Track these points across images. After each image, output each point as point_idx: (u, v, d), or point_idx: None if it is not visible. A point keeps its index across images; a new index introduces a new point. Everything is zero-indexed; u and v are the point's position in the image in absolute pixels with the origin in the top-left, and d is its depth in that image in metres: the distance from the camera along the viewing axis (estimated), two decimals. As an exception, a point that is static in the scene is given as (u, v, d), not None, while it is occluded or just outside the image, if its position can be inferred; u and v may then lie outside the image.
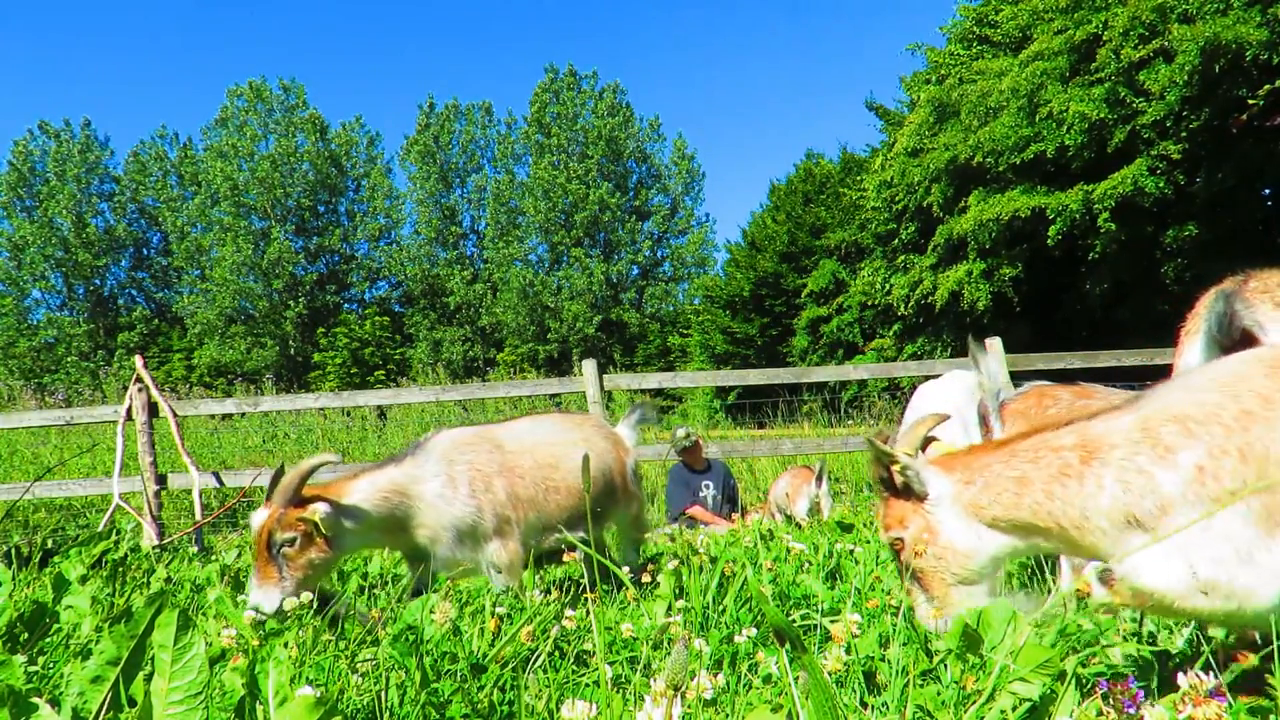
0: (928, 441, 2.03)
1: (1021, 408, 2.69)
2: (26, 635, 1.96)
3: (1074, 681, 1.41)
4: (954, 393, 3.52)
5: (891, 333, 19.29)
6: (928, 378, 4.21)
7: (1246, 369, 1.62)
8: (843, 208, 23.25)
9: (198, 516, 5.25)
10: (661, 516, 6.19)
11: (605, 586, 3.09)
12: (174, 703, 1.27)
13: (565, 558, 2.89)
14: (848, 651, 1.78)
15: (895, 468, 1.77)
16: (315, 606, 2.42)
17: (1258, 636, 1.66)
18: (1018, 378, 5.23)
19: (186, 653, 1.30)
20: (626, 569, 3.11)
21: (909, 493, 1.78)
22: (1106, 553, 1.62)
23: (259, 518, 2.60)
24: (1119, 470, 1.60)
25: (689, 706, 1.44)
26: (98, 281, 32.78)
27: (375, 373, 27.69)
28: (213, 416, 9.65)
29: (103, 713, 1.32)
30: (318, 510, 2.57)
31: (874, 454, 1.79)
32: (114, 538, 3.56)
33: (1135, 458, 1.58)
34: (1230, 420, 1.53)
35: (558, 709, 1.46)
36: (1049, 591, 2.80)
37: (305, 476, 2.59)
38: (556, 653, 2.06)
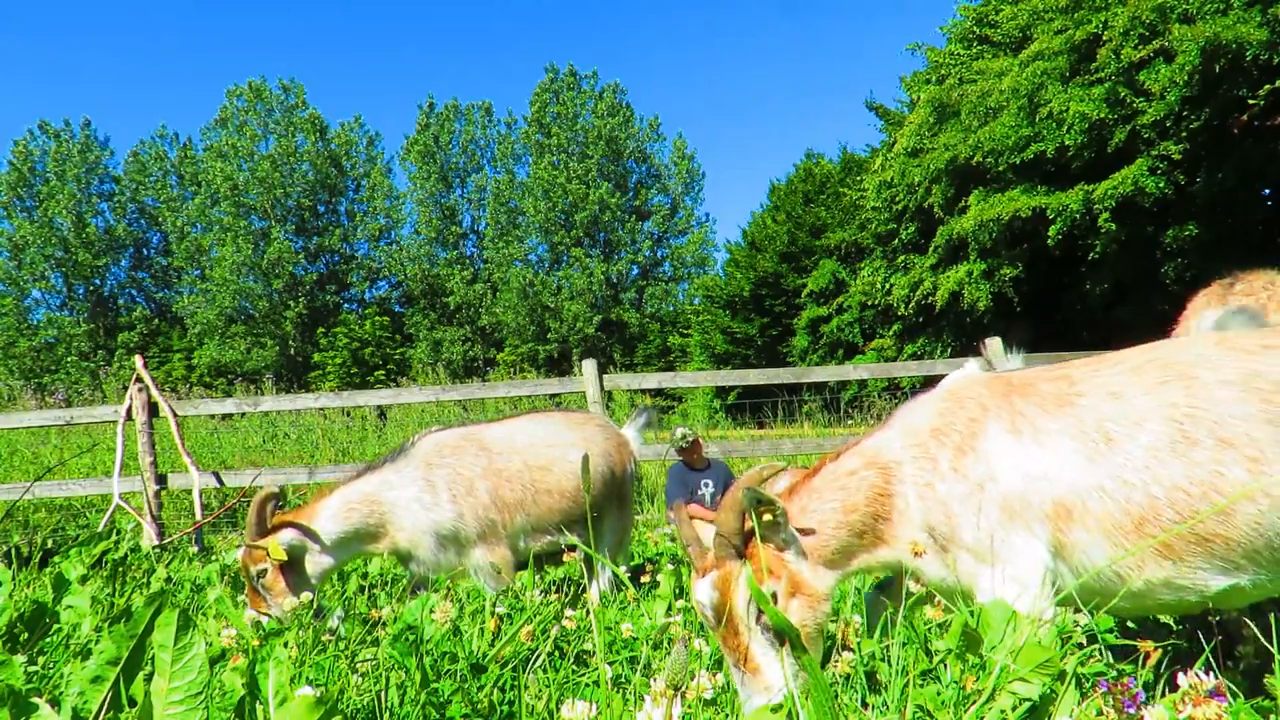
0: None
1: None
2: (26, 635, 1.96)
3: (1074, 681, 1.41)
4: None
5: (891, 333, 19.29)
6: (928, 378, 4.21)
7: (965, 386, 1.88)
8: (843, 208, 23.24)
9: (198, 516, 5.25)
10: (662, 516, 6.19)
11: (606, 593, 3.09)
12: (174, 703, 1.27)
13: (565, 557, 2.89)
14: (845, 650, 1.78)
15: (773, 513, 1.75)
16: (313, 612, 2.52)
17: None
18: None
19: (186, 653, 1.30)
20: (624, 568, 3.11)
21: (769, 542, 1.76)
22: (896, 563, 1.83)
23: (238, 554, 2.76)
24: (912, 491, 1.80)
25: (689, 706, 1.44)
26: (98, 281, 32.78)
27: (375, 373, 27.69)
28: (213, 416, 9.65)
29: (103, 713, 1.32)
30: (277, 540, 2.67)
31: (750, 501, 1.73)
32: (114, 538, 3.56)
33: (917, 476, 1.80)
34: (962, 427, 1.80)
35: (558, 709, 1.46)
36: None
37: (260, 510, 2.70)
38: (556, 653, 2.05)
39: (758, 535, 1.74)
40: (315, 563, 2.77)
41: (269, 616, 2.60)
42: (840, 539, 1.81)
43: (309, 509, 2.81)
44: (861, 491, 1.83)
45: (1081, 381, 1.79)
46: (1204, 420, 1.63)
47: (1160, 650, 1.63)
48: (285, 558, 2.65)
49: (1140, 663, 1.58)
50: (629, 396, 11.57)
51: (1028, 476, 1.71)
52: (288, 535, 2.71)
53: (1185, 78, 10.33)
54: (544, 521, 2.97)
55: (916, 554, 1.78)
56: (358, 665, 1.91)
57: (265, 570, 2.66)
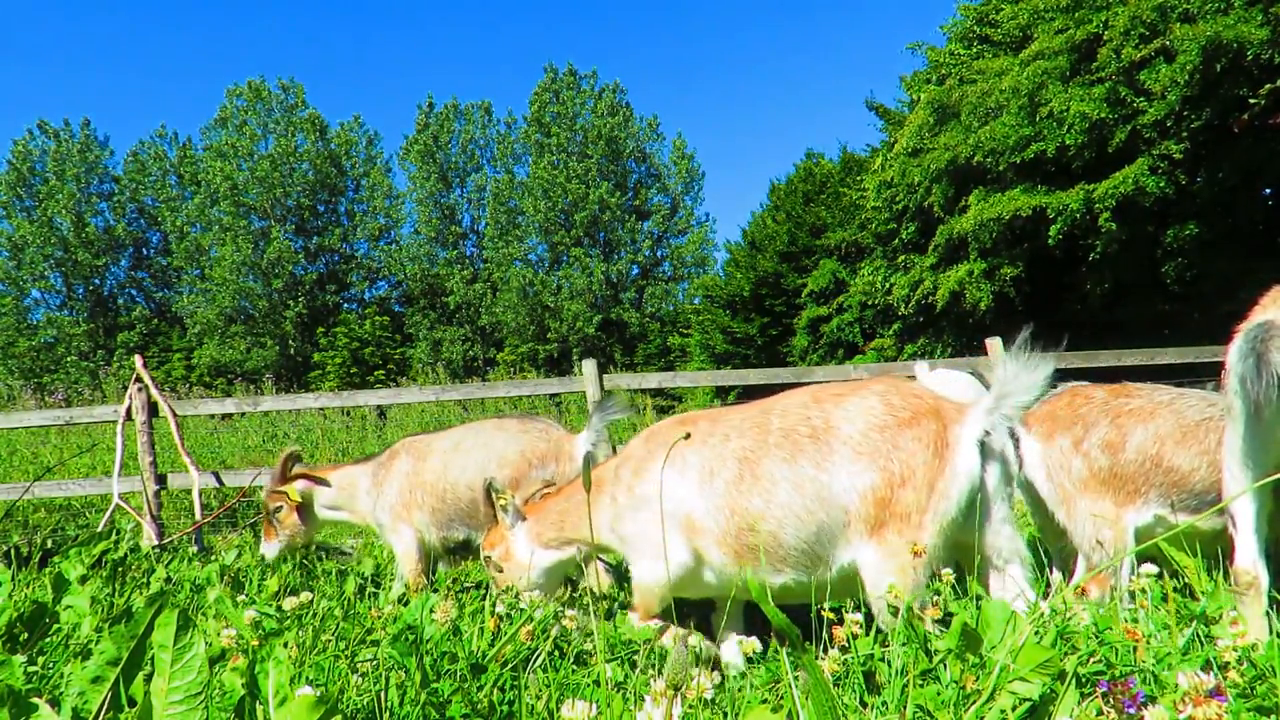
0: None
1: (1051, 409, 2.67)
2: (26, 635, 1.95)
3: (1074, 681, 1.41)
4: (949, 386, 3.52)
5: (891, 333, 19.27)
6: (928, 378, 4.21)
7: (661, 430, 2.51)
8: (843, 208, 23.22)
9: (198, 516, 5.24)
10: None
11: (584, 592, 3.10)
12: (174, 703, 1.27)
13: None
14: (845, 650, 1.78)
15: (501, 502, 2.60)
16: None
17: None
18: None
19: (186, 653, 1.30)
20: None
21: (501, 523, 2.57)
22: (625, 553, 2.40)
23: (262, 495, 3.72)
24: (609, 499, 2.40)
25: (689, 706, 1.44)
26: (97, 281, 32.77)
27: (375, 372, 27.66)
28: (213, 416, 9.66)
29: (103, 713, 1.32)
30: (293, 486, 3.60)
31: (488, 491, 2.66)
32: (114, 538, 3.56)
33: (613, 490, 2.40)
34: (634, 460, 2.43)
35: (558, 709, 1.46)
36: (1047, 587, 2.80)
37: (285, 464, 3.62)
38: (556, 653, 2.06)
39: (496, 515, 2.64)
40: (320, 509, 3.67)
41: (277, 544, 3.55)
42: (558, 529, 2.55)
43: (321, 471, 3.71)
44: (576, 499, 2.54)
45: (720, 423, 2.31)
46: (750, 460, 2.13)
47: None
48: (300, 500, 3.58)
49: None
50: (629, 396, 11.56)
51: (672, 498, 2.23)
52: (300, 485, 3.63)
53: (1186, 77, 10.33)
54: (453, 517, 3.42)
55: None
56: (358, 665, 1.91)
57: (281, 507, 3.57)
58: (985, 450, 2.01)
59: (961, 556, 2.10)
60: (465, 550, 3.51)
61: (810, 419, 2.11)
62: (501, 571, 2.59)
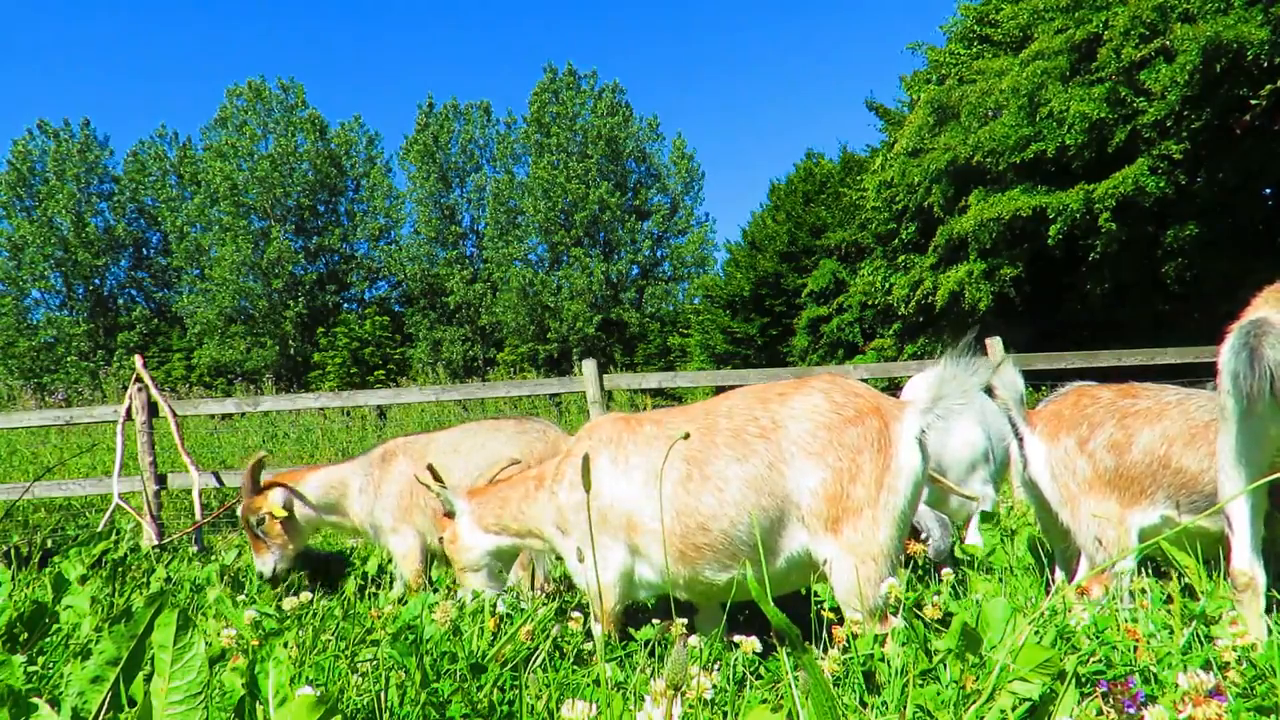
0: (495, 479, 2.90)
1: (1056, 409, 2.66)
2: (26, 635, 1.96)
3: (1074, 681, 1.41)
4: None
5: (891, 333, 19.27)
6: (928, 378, 4.20)
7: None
8: (843, 208, 23.21)
9: (198, 516, 5.24)
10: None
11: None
12: (174, 703, 1.27)
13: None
14: (845, 650, 1.78)
15: (435, 490, 2.73)
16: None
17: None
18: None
19: (186, 653, 1.30)
20: (540, 576, 3.22)
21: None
22: (559, 547, 2.50)
23: (238, 510, 3.49)
24: (547, 494, 2.46)
25: (689, 706, 1.44)
26: (97, 281, 32.74)
27: (375, 372, 27.65)
28: (213, 416, 9.65)
29: (103, 713, 1.32)
30: (271, 496, 3.40)
31: (427, 480, 2.78)
32: (114, 538, 3.57)
33: (553, 486, 2.46)
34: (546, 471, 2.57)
35: (558, 709, 1.46)
36: (1047, 587, 2.80)
37: (254, 471, 3.40)
38: (556, 653, 2.06)
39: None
40: (302, 515, 3.50)
41: (271, 558, 3.39)
42: (497, 517, 2.63)
43: (295, 475, 3.53)
44: (519, 489, 2.60)
45: (665, 424, 2.33)
46: (699, 461, 2.16)
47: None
48: (286, 513, 3.41)
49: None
50: (629, 396, 11.56)
51: (614, 498, 2.27)
52: (277, 494, 3.41)
53: (1186, 77, 10.32)
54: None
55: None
56: (358, 665, 1.91)
57: (262, 519, 3.39)
58: (922, 447, 2.06)
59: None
60: None
61: (758, 419, 2.15)
62: (452, 554, 2.70)
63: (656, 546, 2.19)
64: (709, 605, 2.45)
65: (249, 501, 3.39)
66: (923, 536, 2.92)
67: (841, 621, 2.02)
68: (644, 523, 2.21)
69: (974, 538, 3.44)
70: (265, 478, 3.54)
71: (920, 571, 2.87)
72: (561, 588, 3.26)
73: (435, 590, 3.16)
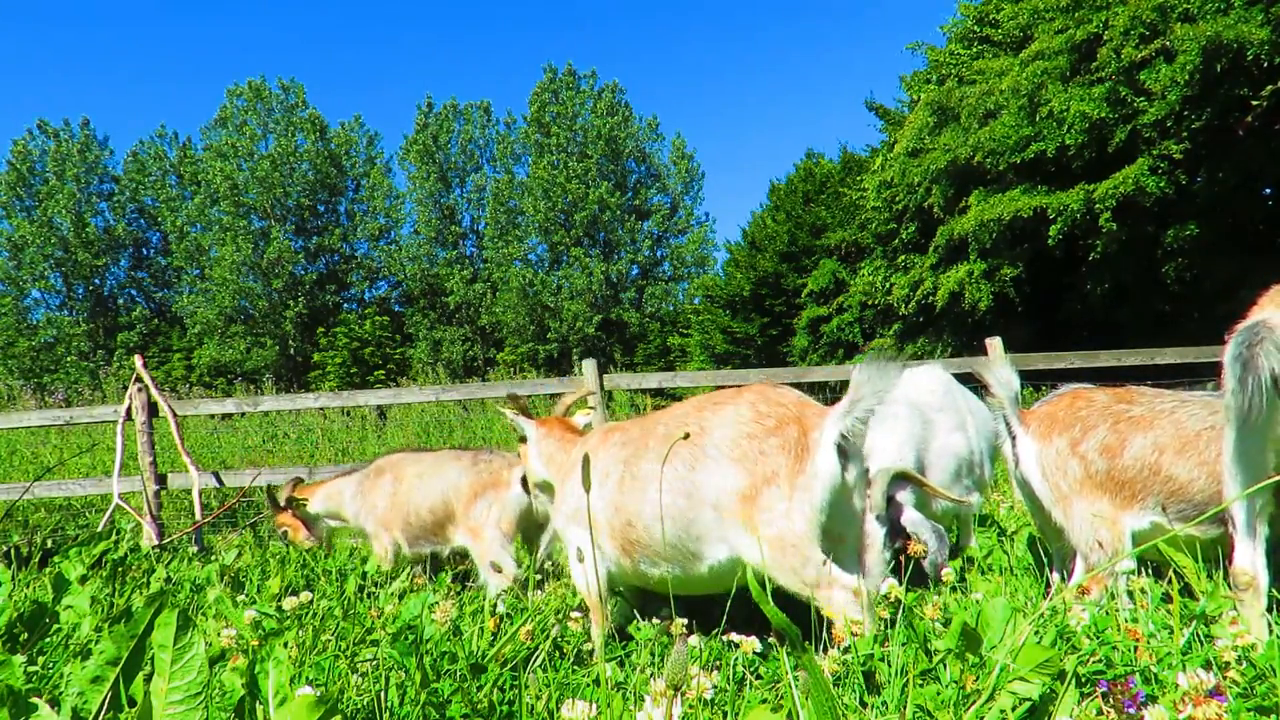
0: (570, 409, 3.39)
1: (1050, 410, 2.67)
2: (26, 635, 1.95)
3: (1074, 681, 1.41)
4: (922, 386, 3.52)
5: (891, 333, 19.27)
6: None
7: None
8: (843, 208, 23.21)
9: (198, 516, 5.24)
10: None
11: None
12: (174, 703, 1.27)
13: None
14: (845, 650, 1.78)
15: (512, 414, 3.06)
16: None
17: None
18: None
19: (186, 653, 1.30)
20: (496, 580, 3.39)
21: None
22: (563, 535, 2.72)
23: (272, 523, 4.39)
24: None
25: (689, 706, 1.44)
26: (97, 281, 32.74)
27: (375, 372, 27.64)
28: (213, 416, 9.66)
29: (103, 713, 1.32)
30: (296, 525, 4.19)
31: (509, 402, 3.10)
32: (114, 538, 3.56)
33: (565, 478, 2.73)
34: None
35: (558, 709, 1.46)
36: (1047, 587, 2.80)
37: (278, 496, 4.16)
38: (556, 653, 2.06)
39: None
40: (320, 521, 4.24)
41: (310, 544, 4.15)
42: (549, 459, 2.94)
43: (310, 490, 4.25)
44: (566, 452, 2.86)
45: (623, 432, 2.53)
46: (631, 463, 2.38)
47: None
48: (306, 543, 4.20)
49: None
50: (629, 396, 11.57)
51: (579, 498, 2.48)
52: (289, 520, 4.22)
53: (1186, 77, 10.32)
54: (419, 535, 3.86)
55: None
56: (358, 665, 1.91)
57: (285, 532, 4.19)
58: (843, 452, 2.16)
59: (829, 544, 2.23)
60: (435, 561, 3.98)
61: (689, 425, 2.33)
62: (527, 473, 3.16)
63: (607, 541, 2.42)
64: (689, 596, 2.56)
65: (275, 519, 4.20)
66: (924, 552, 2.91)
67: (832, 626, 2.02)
68: (596, 519, 2.44)
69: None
70: (288, 486, 4.23)
71: (913, 579, 2.87)
72: (562, 567, 3.40)
73: (435, 591, 3.17)
